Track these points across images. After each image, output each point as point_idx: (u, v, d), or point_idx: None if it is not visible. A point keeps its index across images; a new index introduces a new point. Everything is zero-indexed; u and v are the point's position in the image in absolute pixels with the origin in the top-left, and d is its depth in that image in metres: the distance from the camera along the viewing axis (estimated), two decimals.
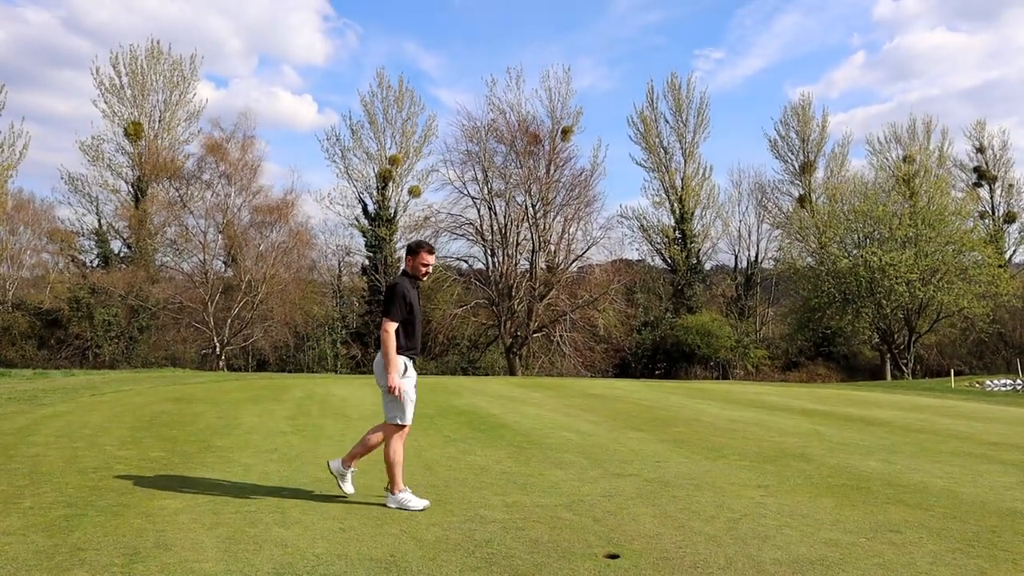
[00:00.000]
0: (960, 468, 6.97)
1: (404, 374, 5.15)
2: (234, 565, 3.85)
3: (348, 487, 5.40)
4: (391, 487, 5.17)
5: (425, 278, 5.43)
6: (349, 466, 5.40)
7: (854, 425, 10.37)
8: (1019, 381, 30.14)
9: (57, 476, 5.93)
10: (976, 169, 50.81)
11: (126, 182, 40.42)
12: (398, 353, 5.14)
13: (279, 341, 38.84)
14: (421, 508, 5.03)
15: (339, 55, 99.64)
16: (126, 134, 39.88)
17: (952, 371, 31.48)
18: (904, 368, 38.24)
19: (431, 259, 5.38)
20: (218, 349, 36.39)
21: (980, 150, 51.07)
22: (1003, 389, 26.39)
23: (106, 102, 40.16)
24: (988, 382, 29.70)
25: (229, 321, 36.73)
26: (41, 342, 36.23)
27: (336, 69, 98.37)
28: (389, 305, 5.16)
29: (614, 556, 4.12)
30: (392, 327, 5.11)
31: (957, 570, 3.95)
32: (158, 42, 41.87)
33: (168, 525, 4.58)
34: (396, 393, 5.05)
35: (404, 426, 5.20)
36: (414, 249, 5.37)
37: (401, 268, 5.55)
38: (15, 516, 4.73)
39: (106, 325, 35.28)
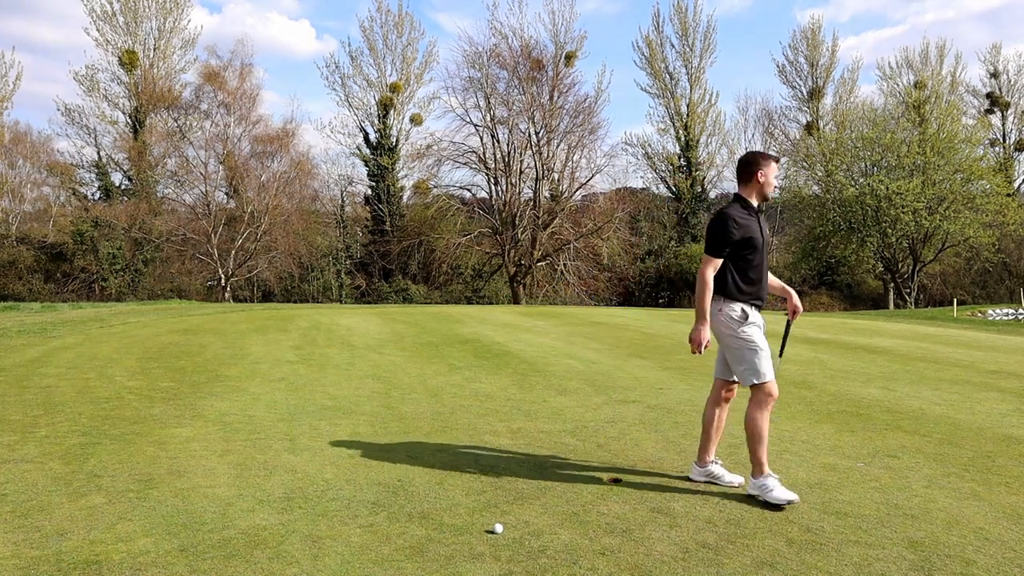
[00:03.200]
0: (959, 395, 7.06)
1: (746, 321, 4.01)
2: (246, 490, 3.95)
3: (731, 478, 4.20)
4: (753, 468, 3.99)
5: (769, 198, 4.15)
6: (708, 462, 4.25)
7: (855, 353, 10.47)
8: (1021, 310, 30.21)
9: (70, 406, 6.05)
10: (989, 95, 49.72)
11: (123, 112, 39.86)
12: (735, 299, 4.01)
13: (283, 272, 39.00)
14: (786, 502, 3.78)
15: None
16: (121, 63, 39.08)
17: (955, 300, 31.52)
18: (907, 297, 38.31)
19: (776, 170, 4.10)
20: (223, 281, 36.59)
21: (994, 75, 49.84)
22: (1005, 318, 26.48)
23: (98, 30, 39.24)
24: (990, 311, 29.77)
25: (233, 252, 36.81)
26: (47, 275, 36.41)
27: None
28: (711, 239, 3.99)
29: (617, 480, 4.22)
30: (710, 267, 3.98)
31: (951, 493, 4.05)
32: None
33: (180, 453, 4.69)
34: (699, 348, 3.99)
35: (764, 385, 3.97)
36: (756, 160, 4.07)
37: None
38: (32, 444, 4.84)
39: (111, 258, 35.37)
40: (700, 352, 4.02)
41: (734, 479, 4.17)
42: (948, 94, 46.09)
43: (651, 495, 3.96)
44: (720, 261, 3.99)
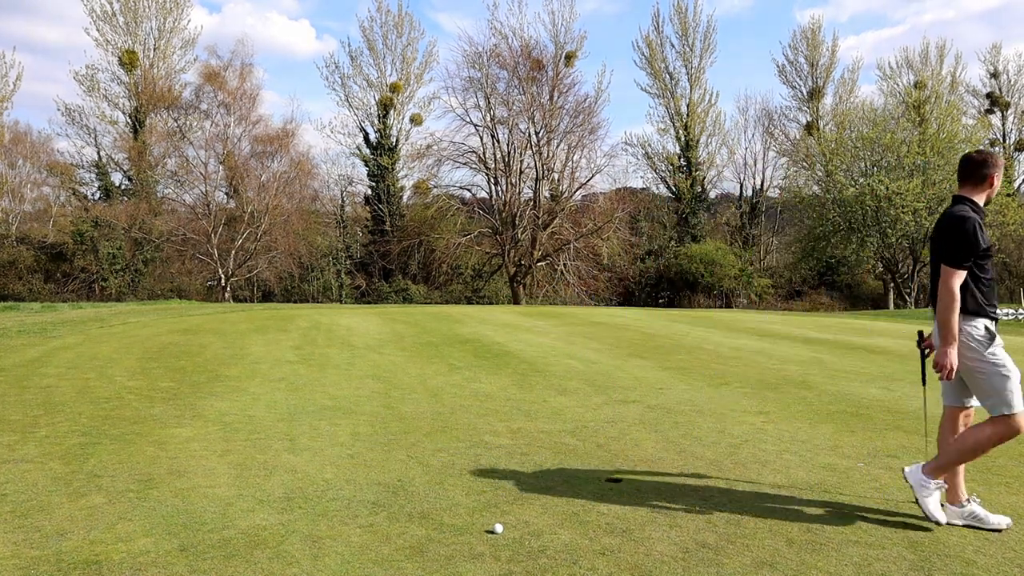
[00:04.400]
0: None
1: (991, 343, 3.56)
2: (246, 490, 3.95)
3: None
4: (934, 470, 3.66)
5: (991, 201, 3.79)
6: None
7: (855, 353, 10.46)
8: (1021, 311, 30.21)
9: (70, 406, 6.05)
10: (989, 95, 49.73)
11: (124, 112, 39.83)
12: (976, 314, 3.57)
13: (283, 272, 38.99)
14: (934, 520, 3.59)
15: None
16: (121, 63, 39.07)
17: None
18: (907, 297, 38.33)
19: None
20: (223, 281, 36.57)
21: (994, 75, 49.85)
22: (1005, 318, 26.48)
23: (98, 30, 39.20)
24: None
25: (233, 252, 36.79)
26: (47, 276, 36.37)
27: None
28: (957, 247, 3.52)
29: (617, 480, 4.22)
30: (958, 279, 3.50)
31: None
32: None
33: (180, 453, 4.69)
34: (950, 374, 3.52)
35: (1013, 418, 3.48)
36: (992, 162, 3.66)
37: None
38: (32, 444, 4.84)
39: (111, 258, 35.35)
40: (951, 379, 3.56)
41: (1001, 520, 3.56)
42: (948, 94, 46.08)
43: (651, 495, 3.96)
44: (965, 273, 3.54)
